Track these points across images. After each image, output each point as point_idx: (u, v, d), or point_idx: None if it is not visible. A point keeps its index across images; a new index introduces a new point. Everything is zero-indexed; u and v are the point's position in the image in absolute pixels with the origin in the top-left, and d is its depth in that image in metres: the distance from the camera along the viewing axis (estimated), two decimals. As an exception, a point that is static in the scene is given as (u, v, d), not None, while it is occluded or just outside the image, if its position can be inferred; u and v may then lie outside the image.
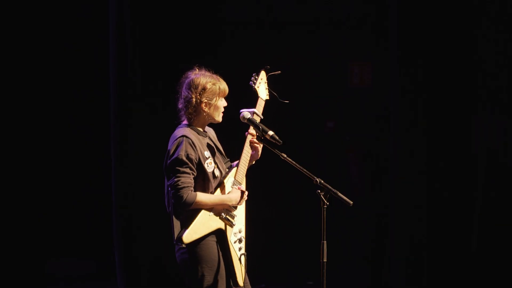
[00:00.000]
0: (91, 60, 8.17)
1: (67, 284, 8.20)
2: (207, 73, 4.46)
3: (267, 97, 4.68)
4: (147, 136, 7.66)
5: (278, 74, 4.72)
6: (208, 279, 4.27)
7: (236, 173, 4.45)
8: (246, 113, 4.49)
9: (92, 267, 8.40)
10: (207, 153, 4.37)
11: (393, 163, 7.68)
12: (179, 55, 7.69)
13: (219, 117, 4.45)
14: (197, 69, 4.48)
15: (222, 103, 4.45)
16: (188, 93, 4.40)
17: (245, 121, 4.49)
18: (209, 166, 4.35)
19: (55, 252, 8.30)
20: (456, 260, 7.53)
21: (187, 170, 4.25)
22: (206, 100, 4.38)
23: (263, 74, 4.69)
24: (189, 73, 4.48)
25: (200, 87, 4.38)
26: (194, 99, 4.38)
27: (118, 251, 7.61)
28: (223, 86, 4.43)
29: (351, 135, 8.48)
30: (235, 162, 4.55)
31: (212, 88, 4.39)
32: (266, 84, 4.69)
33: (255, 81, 4.63)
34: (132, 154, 7.62)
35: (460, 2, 7.51)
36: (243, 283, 4.41)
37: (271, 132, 4.45)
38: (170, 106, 7.64)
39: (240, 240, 4.42)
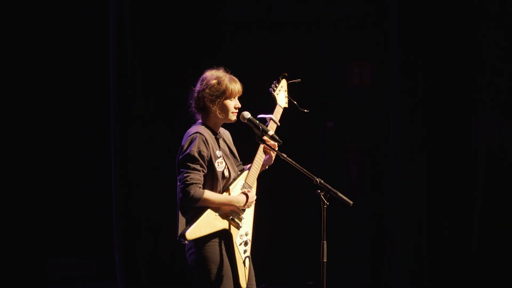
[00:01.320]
0: (91, 60, 8.17)
1: (67, 284, 8.20)
2: (220, 71, 4.46)
3: (286, 105, 4.72)
4: (147, 136, 7.66)
5: (299, 82, 4.75)
6: (214, 280, 4.29)
7: (247, 176, 4.47)
8: (246, 113, 4.50)
9: (92, 267, 8.40)
10: (218, 153, 4.38)
11: (393, 163, 7.68)
12: (179, 55, 7.69)
13: (230, 116, 4.43)
14: (215, 69, 4.49)
15: (232, 103, 4.42)
16: (196, 88, 4.44)
17: (245, 121, 4.49)
18: (220, 165, 4.36)
19: (55, 252, 8.30)
20: (456, 260, 7.53)
21: (198, 166, 4.27)
22: (210, 97, 4.38)
23: (283, 82, 4.74)
24: (205, 70, 4.50)
25: (204, 82, 4.41)
26: (196, 93, 4.42)
27: (118, 251, 7.61)
28: (232, 86, 4.41)
29: (351, 135, 8.47)
30: (247, 166, 4.56)
31: (215, 86, 4.39)
32: (286, 92, 4.73)
33: (275, 88, 4.67)
34: (132, 154, 7.62)
35: (460, 2, 7.51)
36: (248, 285, 4.43)
37: (271, 132, 4.47)
38: (170, 106, 7.70)
39: (246, 243, 4.44)
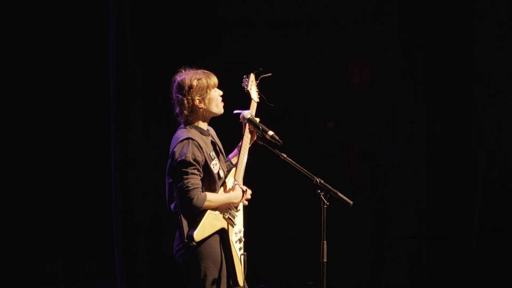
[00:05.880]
0: (91, 60, 8.17)
1: (67, 284, 8.20)
2: (191, 71, 4.46)
3: (258, 100, 4.70)
4: (147, 136, 7.65)
5: (269, 76, 4.73)
6: (211, 278, 4.29)
7: (235, 173, 4.48)
8: (246, 113, 4.51)
9: (92, 267, 8.40)
10: (213, 154, 4.38)
11: (393, 162, 7.68)
12: (179, 55, 7.68)
13: (218, 108, 4.45)
14: (182, 71, 4.49)
15: (217, 93, 4.45)
16: (178, 96, 4.42)
17: (245, 121, 4.50)
18: (215, 167, 4.36)
19: (55, 252, 8.30)
20: (457, 260, 7.52)
21: (195, 171, 4.27)
22: (198, 97, 4.39)
23: (252, 77, 4.72)
24: (175, 77, 4.49)
25: (186, 87, 4.39)
26: (185, 100, 4.40)
27: (118, 251, 7.60)
28: (210, 78, 4.43)
29: (351, 135, 8.47)
30: (230, 155, 4.61)
31: (198, 84, 4.39)
32: (256, 86, 4.71)
33: (246, 83, 4.66)
34: (132, 154, 7.61)
35: (461, 2, 7.49)
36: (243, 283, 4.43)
37: (271, 132, 4.47)
38: (169, 106, 7.70)
39: (240, 240, 4.45)
